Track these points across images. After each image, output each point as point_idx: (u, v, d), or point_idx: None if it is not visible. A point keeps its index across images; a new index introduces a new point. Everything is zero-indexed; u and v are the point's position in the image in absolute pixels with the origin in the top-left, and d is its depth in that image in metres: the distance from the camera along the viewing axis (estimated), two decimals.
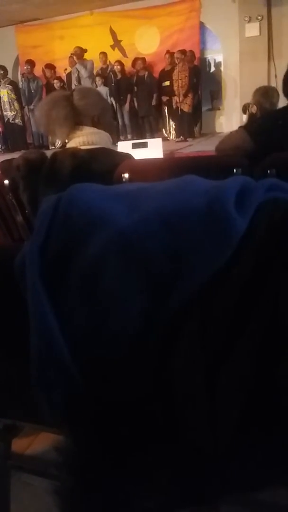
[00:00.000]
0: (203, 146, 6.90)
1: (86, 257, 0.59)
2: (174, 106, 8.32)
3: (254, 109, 2.39)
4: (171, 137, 8.68)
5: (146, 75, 8.46)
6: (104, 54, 8.97)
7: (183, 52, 8.05)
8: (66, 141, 1.81)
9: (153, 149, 3.92)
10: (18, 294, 0.63)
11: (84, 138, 1.71)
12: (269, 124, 1.81)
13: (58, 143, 8.10)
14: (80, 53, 8.61)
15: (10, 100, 8.99)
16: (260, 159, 1.50)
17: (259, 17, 7.95)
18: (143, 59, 8.55)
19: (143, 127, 8.65)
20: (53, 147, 8.28)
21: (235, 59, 8.40)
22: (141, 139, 6.78)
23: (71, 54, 8.70)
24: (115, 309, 0.57)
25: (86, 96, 1.79)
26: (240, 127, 1.93)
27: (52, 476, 0.83)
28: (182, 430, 0.52)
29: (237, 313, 0.52)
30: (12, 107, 9.02)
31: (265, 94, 3.17)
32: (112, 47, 9.51)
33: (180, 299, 0.55)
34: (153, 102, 8.48)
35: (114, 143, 4.60)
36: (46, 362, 0.60)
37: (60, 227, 0.62)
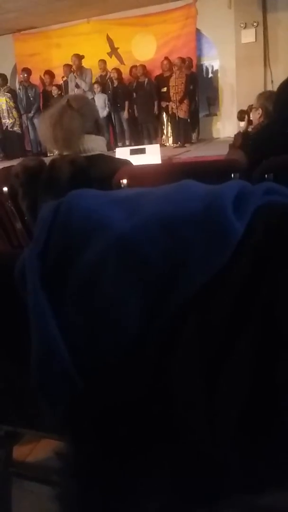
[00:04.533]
0: (200, 152, 6.94)
1: (85, 262, 0.59)
2: (170, 112, 8.37)
3: (259, 112, 2.40)
4: (169, 143, 8.71)
5: (146, 82, 8.50)
6: (103, 61, 9.03)
7: (182, 59, 8.10)
8: None
9: (151, 155, 3.94)
10: (18, 300, 0.64)
11: (84, 146, 1.72)
12: (260, 141, 1.85)
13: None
14: (78, 63, 8.61)
15: (8, 108, 9.05)
16: (252, 164, 1.52)
17: (254, 23, 8.02)
18: (143, 66, 8.60)
19: (141, 133, 8.69)
20: (51, 154, 8.30)
21: (232, 65, 8.46)
22: (139, 145, 6.81)
23: (69, 64, 8.73)
24: (114, 313, 0.57)
25: (84, 103, 1.81)
26: (231, 146, 1.99)
27: (53, 483, 0.82)
28: (181, 432, 0.52)
29: (234, 316, 0.52)
30: (11, 114, 9.08)
31: (269, 98, 3.20)
32: (109, 54, 9.58)
33: (178, 303, 0.55)
34: (155, 109, 8.52)
35: (112, 149, 4.62)
36: (47, 367, 0.60)
37: (59, 233, 0.62)
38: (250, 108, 2.70)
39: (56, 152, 1.81)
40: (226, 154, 2.00)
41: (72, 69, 8.68)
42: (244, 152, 1.81)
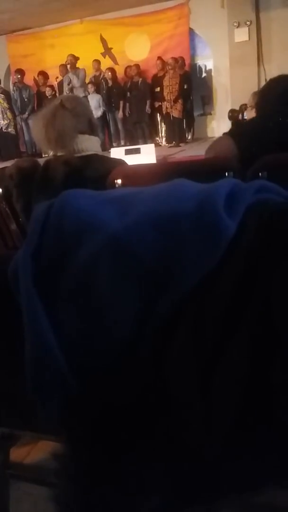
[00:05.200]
0: (195, 151, 6.93)
1: (79, 262, 0.59)
2: (164, 112, 8.37)
3: (255, 111, 2.39)
4: (164, 143, 8.71)
5: (140, 81, 8.50)
6: (97, 61, 9.02)
7: (175, 59, 8.10)
8: None
9: (146, 155, 3.94)
10: (12, 301, 0.63)
11: (78, 146, 1.71)
12: (251, 129, 1.84)
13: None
14: (73, 61, 8.63)
15: (2, 109, 9.03)
16: (245, 163, 1.51)
17: (247, 22, 8.02)
18: (137, 65, 8.59)
19: (136, 133, 8.69)
20: (46, 155, 8.24)
21: (225, 64, 8.46)
22: (134, 145, 6.80)
23: (65, 62, 8.73)
24: (108, 313, 0.57)
25: (78, 103, 1.80)
26: (224, 133, 1.94)
27: (51, 484, 0.82)
28: (178, 432, 0.52)
29: (228, 314, 0.52)
30: (5, 116, 9.06)
31: None
32: (103, 54, 9.56)
33: (172, 302, 0.55)
34: (147, 108, 8.51)
35: (107, 150, 4.61)
36: (42, 369, 0.60)
37: (52, 233, 0.62)
38: (245, 107, 2.68)
39: (51, 153, 1.80)
40: (214, 141, 1.92)
41: (67, 63, 8.68)
42: (233, 137, 1.77)
